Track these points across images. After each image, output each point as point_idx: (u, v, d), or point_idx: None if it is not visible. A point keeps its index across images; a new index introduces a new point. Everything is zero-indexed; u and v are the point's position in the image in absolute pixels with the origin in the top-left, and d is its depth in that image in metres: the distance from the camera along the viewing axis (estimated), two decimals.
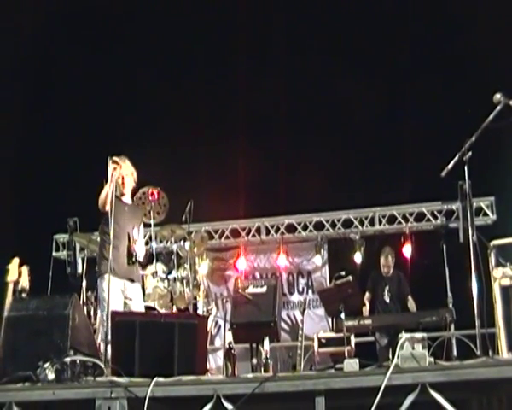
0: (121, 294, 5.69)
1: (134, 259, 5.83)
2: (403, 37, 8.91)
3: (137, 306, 5.80)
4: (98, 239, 8.21)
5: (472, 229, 4.38)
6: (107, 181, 5.61)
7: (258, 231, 10.20)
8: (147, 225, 6.86)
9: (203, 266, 9.37)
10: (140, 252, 5.89)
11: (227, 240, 10.28)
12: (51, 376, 4.08)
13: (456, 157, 4.52)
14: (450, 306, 7.66)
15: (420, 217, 9.67)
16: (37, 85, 9.58)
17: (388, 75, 9.11)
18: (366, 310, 7.73)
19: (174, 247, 7.97)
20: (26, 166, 9.77)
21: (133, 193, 6.31)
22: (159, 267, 7.59)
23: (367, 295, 7.90)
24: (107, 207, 5.58)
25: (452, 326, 7.30)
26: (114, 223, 5.41)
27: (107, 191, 5.60)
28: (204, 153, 9.52)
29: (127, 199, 6.09)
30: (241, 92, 9.45)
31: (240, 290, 6.52)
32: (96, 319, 7.20)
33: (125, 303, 5.75)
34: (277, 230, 10.11)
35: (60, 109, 9.63)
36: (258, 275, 10.09)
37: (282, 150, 9.72)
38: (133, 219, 5.98)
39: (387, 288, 7.85)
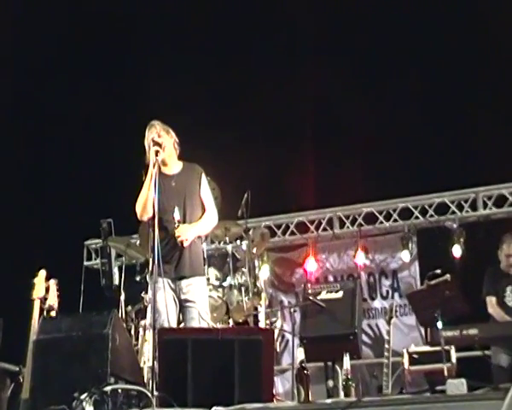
0: (172, 299, 5.52)
1: (179, 247, 5.46)
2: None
3: (199, 309, 5.49)
4: (138, 242, 8.40)
5: None
6: (146, 171, 5.43)
7: (331, 223, 10.15)
8: None
9: (264, 270, 9.41)
10: (185, 233, 5.48)
11: (292, 236, 10.29)
12: (89, 409, 4.16)
13: None
14: None
15: None
16: (64, 73, 9.86)
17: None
18: (497, 312, 7.46)
19: (229, 248, 8.03)
20: (49, 157, 10.03)
21: (179, 154, 5.80)
22: (211, 273, 7.65)
23: (490, 298, 7.61)
24: (146, 217, 5.42)
25: None
26: (159, 211, 5.24)
27: (146, 194, 5.37)
28: (262, 132, 9.56)
29: (174, 167, 5.73)
30: (308, 75, 9.59)
31: (310, 297, 6.51)
32: (137, 338, 7.33)
33: (185, 308, 5.54)
34: (354, 221, 10.04)
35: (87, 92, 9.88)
36: (331, 277, 10.06)
37: (356, 126, 9.64)
38: (183, 190, 5.61)
39: (510, 288, 7.62)
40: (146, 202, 5.44)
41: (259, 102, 9.76)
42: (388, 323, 6.93)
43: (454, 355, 7.12)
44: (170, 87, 9.52)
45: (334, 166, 9.70)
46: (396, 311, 9.21)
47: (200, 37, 9.96)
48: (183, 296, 5.55)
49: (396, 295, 9.87)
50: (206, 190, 5.78)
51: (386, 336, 6.35)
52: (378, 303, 9.92)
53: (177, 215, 5.47)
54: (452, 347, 7.03)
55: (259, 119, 9.73)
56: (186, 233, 5.49)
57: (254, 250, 8.17)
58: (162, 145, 5.50)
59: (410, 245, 9.79)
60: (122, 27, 9.85)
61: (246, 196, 7.57)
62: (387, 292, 9.94)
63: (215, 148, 8.78)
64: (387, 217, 9.96)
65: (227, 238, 8.25)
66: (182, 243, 5.48)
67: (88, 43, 9.83)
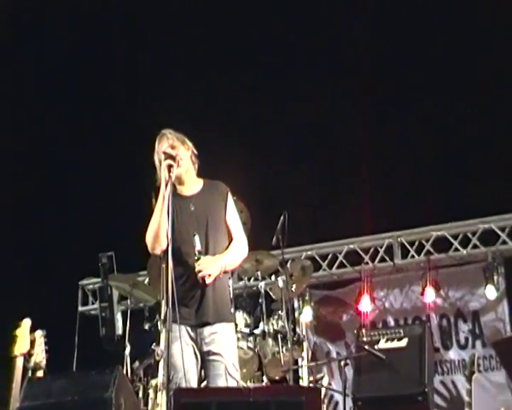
0: (192, 351, 5.45)
1: (200, 285, 5.39)
2: None
3: (226, 363, 5.41)
4: (147, 281, 8.43)
5: None
6: (157, 193, 5.42)
7: (390, 251, 10.15)
8: None
9: (306, 313, 9.40)
10: (208, 267, 5.40)
11: (342, 269, 10.33)
12: None
13: None
14: None
15: None
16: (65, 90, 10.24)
17: None
18: None
19: (261, 285, 8.03)
20: (39, 175, 10.15)
21: (199, 169, 5.77)
22: (239, 318, 7.66)
23: None
24: (160, 249, 5.39)
25: None
26: (175, 241, 5.25)
27: (159, 221, 5.36)
28: (301, 141, 9.58)
29: (192, 186, 5.72)
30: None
31: (366, 347, 6.49)
32: (147, 402, 7.36)
33: (208, 363, 5.46)
34: (421, 248, 10.03)
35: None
36: (392, 321, 10.07)
37: (421, 126, 9.64)
38: (204, 215, 5.58)
39: None
40: (158, 231, 5.40)
41: (295, 106, 9.85)
42: (469, 380, 6.85)
43: None
44: (189, 94, 9.69)
45: (394, 181, 9.68)
46: (479, 364, 9.19)
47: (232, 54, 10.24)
48: (205, 348, 5.48)
49: (478, 343, 9.76)
50: (233, 214, 5.74)
51: (466, 398, 6.29)
52: (454, 354, 9.83)
53: (197, 245, 5.42)
54: None
55: (297, 125, 9.75)
56: (209, 267, 5.42)
57: (293, 288, 8.17)
58: (176, 158, 5.45)
59: (495, 278, 9.67)
60: (127, 37, 10.17)
61: (282, 219, 7.56)
62: (466, 339, 9.84)
63: (242, 161, 8.81)
64: (465, 242, 9.89)
65: (259, 273, 8.27)
66: (204, 279, 5.40)
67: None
